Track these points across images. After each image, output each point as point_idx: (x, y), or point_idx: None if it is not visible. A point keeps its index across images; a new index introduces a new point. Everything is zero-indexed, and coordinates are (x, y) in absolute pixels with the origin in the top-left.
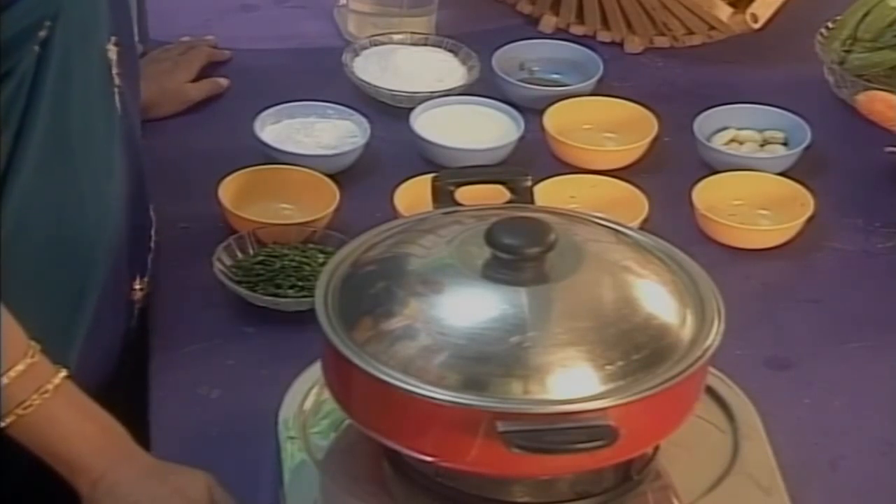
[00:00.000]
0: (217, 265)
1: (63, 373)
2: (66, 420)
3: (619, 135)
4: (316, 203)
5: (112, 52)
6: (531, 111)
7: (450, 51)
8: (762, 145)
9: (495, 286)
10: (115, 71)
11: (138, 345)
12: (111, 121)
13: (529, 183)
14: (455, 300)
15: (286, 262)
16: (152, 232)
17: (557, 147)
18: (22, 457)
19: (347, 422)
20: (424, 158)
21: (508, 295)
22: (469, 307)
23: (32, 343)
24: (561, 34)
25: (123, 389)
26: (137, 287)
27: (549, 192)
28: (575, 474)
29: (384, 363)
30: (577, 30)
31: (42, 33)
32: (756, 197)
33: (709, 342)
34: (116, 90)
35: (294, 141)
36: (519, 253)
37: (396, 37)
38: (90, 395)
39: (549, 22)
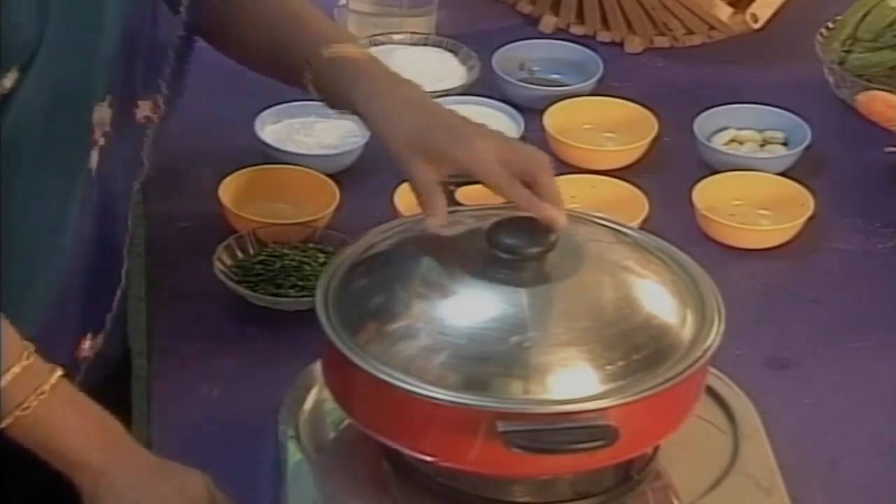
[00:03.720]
0: (217, 265)
1: (58, 372)
2: (64, 419)
3: (619, 135)
4: (316, 203)
5: (102, 111)
6: (531, 111)
7: (450, 51)
8: (762, 145)
9: (495, 286)
10: (102, 129)
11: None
12: (73, 178)
13: None
14: (455, 300)
15: (286, 262)
16: (118, 290)
17: (557, 147)
18: (20, 455)
19: (347, 422)
20: None
21: (508, 295)
22: (469, 307)
23: (27, 343)
24: (561, 34)
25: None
26: (86, 346)
27: None
28: (575, 474)
29: (385, 363)
30: (577, 30)
31: (6, 82)
32: (756, 197)
33: (709, 342)
34: (96, 148)
35: (294, 141)
36: (519, 253)
37: (396, 37)
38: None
39: (549, 22)
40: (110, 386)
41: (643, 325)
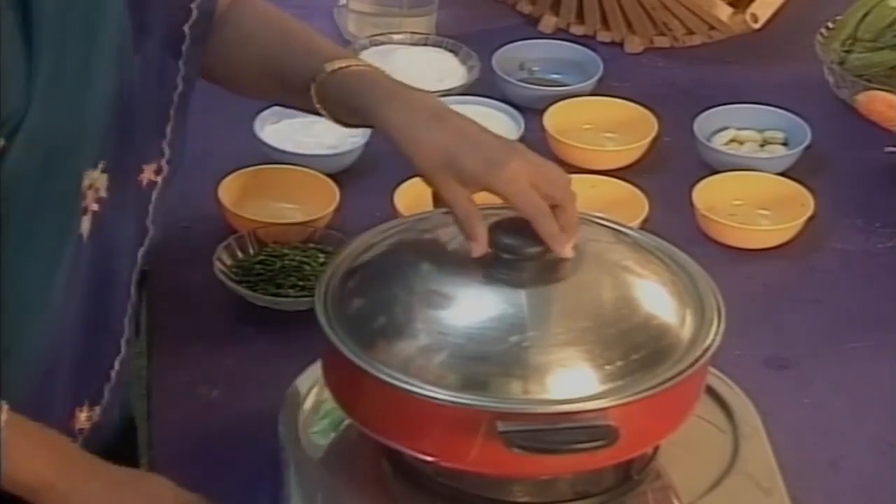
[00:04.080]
0: (217, 265)
1: (5, 406)
2: (23, 449)
3: (619, 135)
4: (316, 203)
5: (95, 178)
6: (531, 111)
7: (450, 51)
8: (762, 145)
9: (495, 286)
10: (96, 195)
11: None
12: (60, 244)
13: None
14: (455, 300)
15: (286, 262)
16: (116, 361)
17: (557, 147)
18: None
19: (347, 422)
20: None
21: (508, 295)
22: (469, 307)
23: None
24: (561, 34)
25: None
26: (82, 416)
27: None
28: (575, 474)
29: (384, 363)
30: (577, 30)
31: None
32: (756, 197)
33: (709, 342)
34: (90, 214)
35: (294, 141)
36: (519, 253)
37: (396, 37)
38: None
39: (549, 22)
40: (111, 455)
41: (643, 324)
